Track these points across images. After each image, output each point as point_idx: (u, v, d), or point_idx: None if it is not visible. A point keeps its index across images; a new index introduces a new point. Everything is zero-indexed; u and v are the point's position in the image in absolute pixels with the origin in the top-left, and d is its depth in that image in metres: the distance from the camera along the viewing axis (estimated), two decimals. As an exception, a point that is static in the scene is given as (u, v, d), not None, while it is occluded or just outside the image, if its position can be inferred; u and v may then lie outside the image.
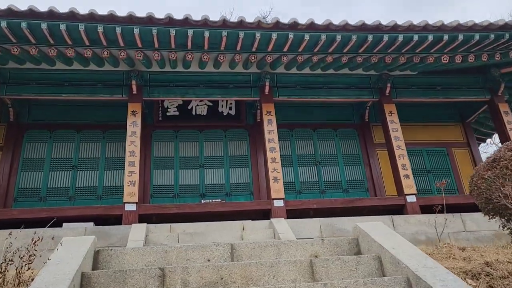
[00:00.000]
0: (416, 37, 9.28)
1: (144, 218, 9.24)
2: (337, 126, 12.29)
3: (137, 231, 7.27)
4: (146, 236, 7.26)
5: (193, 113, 11.66)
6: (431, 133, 12.46)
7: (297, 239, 7.19)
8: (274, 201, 9.45)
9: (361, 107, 12.30)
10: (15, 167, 10.54)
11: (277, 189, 9.56)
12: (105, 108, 11.41)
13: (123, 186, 9.24)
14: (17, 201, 10.21)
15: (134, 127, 9.73)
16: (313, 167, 11.69)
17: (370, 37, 9.21)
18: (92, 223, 8.55)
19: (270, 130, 10.22)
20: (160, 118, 11.50)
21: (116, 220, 9.09)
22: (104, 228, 7.74)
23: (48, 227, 9.04)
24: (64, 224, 8.46)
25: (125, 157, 9.45)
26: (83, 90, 10.16)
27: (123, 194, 9.15)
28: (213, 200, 9.88)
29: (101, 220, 9.13)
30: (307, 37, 9.10)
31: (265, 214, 9.79)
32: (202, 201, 9.90)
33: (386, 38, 9.23)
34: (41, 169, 10.67)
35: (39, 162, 10.73)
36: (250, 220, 8.47)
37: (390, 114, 10.73)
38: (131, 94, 10.18)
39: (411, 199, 9.72)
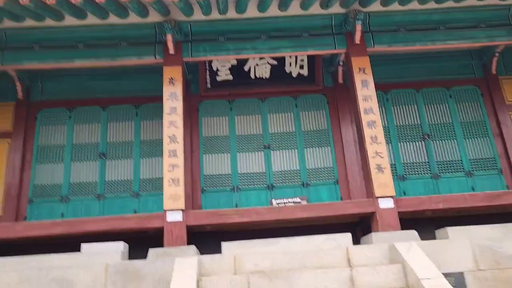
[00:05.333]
0: None
1: (194, 228, 6.62)
2: (450, 83, 8.80)
3: (182, 274, 4.55)
4: (198, 281, 4.54)
5: (252, 76, 8.62)
6: None
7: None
8: (379, 200, 6.45)
9: (485, 54, 8.68)
10: (28, 159, 8.14)
11: (383, 183, 6.53)
12: (138, 75, 8.64)
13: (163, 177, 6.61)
14: (33, 203, 7.87)
15: (173, 101, 6.91)
16: (420, 142, 8.42)
17: None
18: (122, 244, 5.98)
19: (366, 95, 7.04)
20: (209, 85, 8.58)
21: (156, 233, 6.53)
22: (133, 264, 5.08)
23: (65, 248, 6.69)
24: (84, 247, 5.96)
25: (163, 144, 6.72)
26: (103, 52, 7.43)
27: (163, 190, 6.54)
28: (288, 200, 7.00)
29: (137, 234, 6.63)
30: None
31: (364, 219, 6.85)
32: (273, 200, 7.07)
33: None
34: (61, 159, 8.20)
35: (58, 150, 8.25)
36: (351, 242, 5.55)
37: (547, 62, 7.17)
38: (166, 54, 7.32)
39: None
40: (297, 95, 8.67)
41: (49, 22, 7.27)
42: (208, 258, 5.06)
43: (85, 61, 7.38)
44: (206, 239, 7.01)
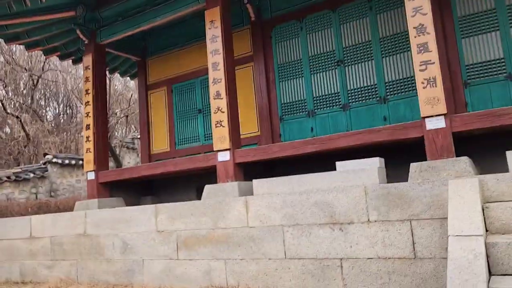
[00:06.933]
0: None
1: (459, 134, 5.37)
2: None
3: (461, 200, 3.59)
4: (483, 209, 3.53)
5: None
6: None
7: None
8: None
9: None
10: (271, 79, 8.27)
11: None
12: (364, -39, 7.39)
13: (415, 77, 5.45)
14: (284, 121, 8.08)
15: (414, -20, 5.45)
16: None
17: None
18: (377, 160, 5.36)
19: None
20: None
21: (412, 143, 5.60)
22: (395, 188, 4.37)
23: (316, 163, 6.55)
24: (338, 165, 5.62)
25: (410, 38, 5.48)
26: None
27: (416, 91, 5.43)
28: None
29: (389, 146, 5.87)
30: None
31: None
32: None
33: None
34: (300, 74, 8.01)
35: (295, 65, 8.07)
36: None
37: None
38: None
39: None
40: None
41: None
42: (492, 178, 3.88)
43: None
44: (473, 146, 5.68)
